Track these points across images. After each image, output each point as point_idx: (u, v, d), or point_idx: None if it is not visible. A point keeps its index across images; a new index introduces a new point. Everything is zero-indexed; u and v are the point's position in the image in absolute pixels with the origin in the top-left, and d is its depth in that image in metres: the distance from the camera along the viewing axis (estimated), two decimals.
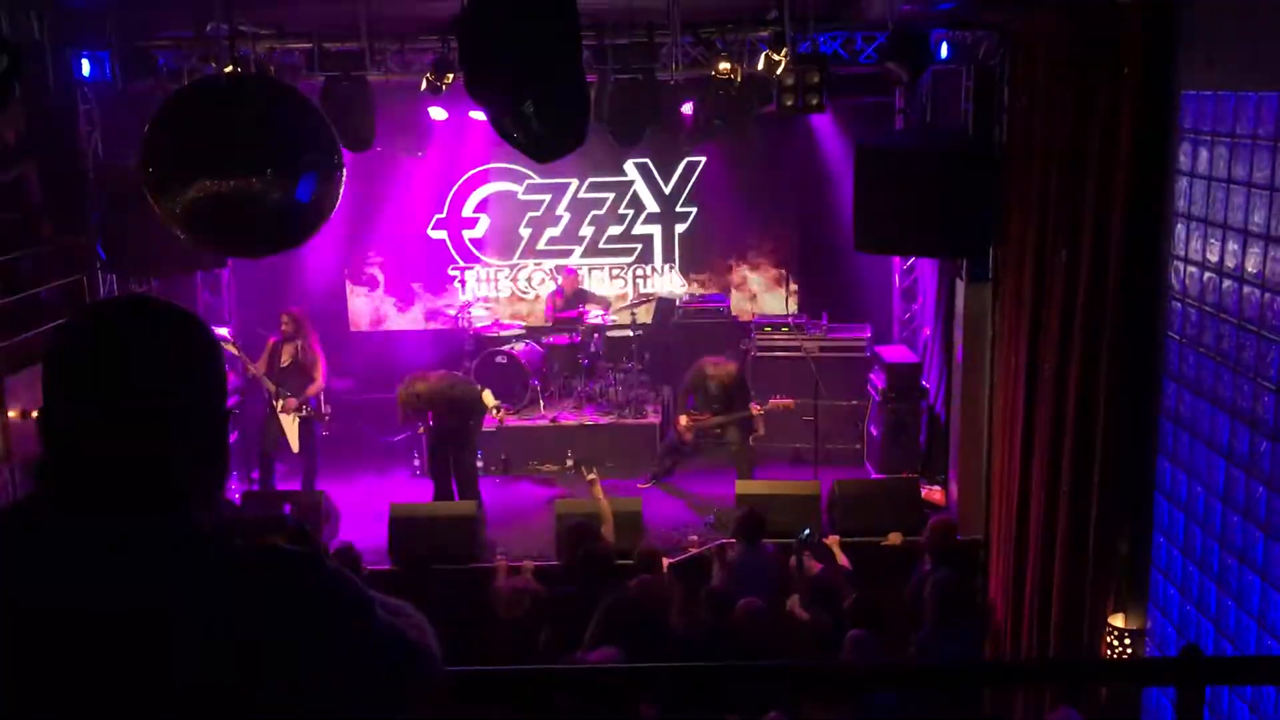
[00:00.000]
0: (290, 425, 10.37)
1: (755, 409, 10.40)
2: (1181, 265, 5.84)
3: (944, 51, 8.82)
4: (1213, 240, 5.48)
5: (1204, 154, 5.57)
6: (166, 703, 1.32)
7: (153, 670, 1.32)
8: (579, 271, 12.74)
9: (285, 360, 10.36)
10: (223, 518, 1.50)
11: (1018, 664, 5.23)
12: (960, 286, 9.28)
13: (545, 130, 3.37)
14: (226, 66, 7.73)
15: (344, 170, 5.42)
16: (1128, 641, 6.52)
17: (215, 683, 1.33)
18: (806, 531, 8.11)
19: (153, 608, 1.34)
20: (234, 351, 10.11)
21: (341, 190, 5.39)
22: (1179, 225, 5.86)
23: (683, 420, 10.47)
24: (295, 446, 10.44)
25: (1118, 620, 6.66)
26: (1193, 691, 1.83)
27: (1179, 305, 5.88)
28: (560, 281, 12.54)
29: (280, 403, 10.24)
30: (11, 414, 7.66)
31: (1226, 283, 5.35)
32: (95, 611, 1.33)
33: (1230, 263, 5.31)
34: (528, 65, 3.28)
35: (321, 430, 10.63)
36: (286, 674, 1.36)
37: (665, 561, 8.25)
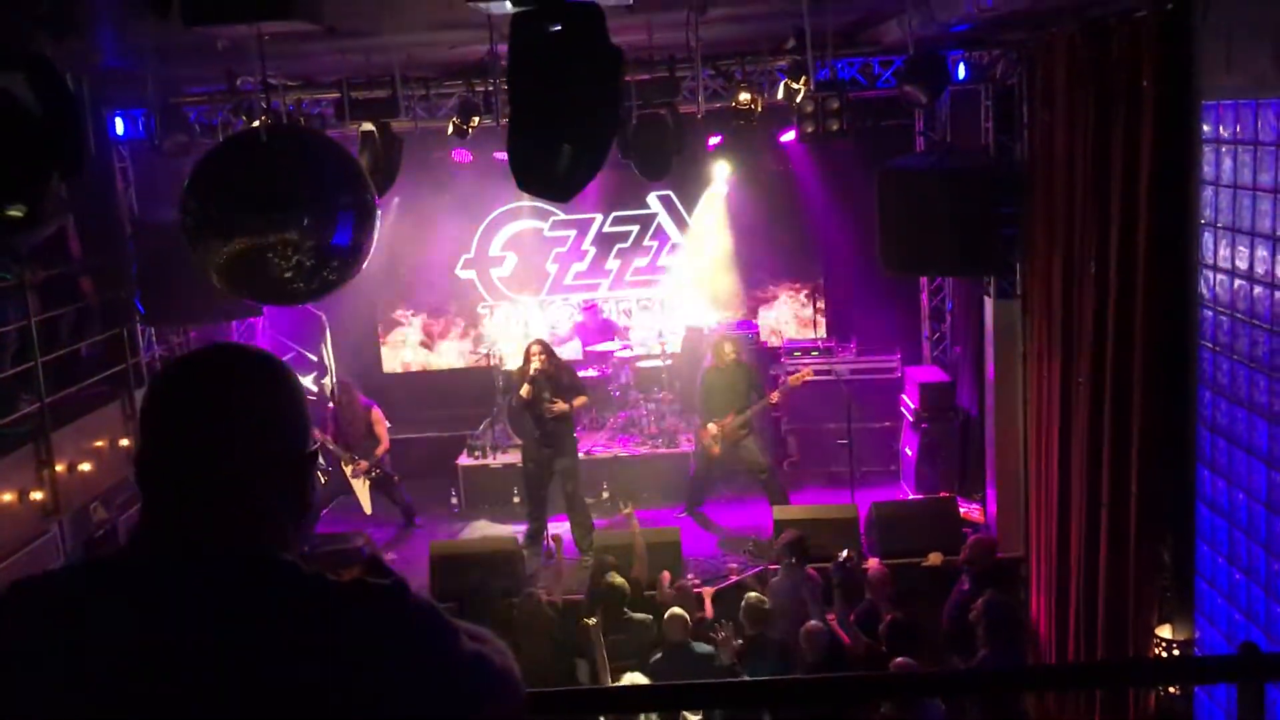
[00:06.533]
0: (361, 488, 10.57)
1: (773, 397, 10.36)
2: (1211, 273, 5.85)
3: (961, 72, 8.90)
4: (1241, 247, 5.50)
5: (1227, 162, 5.60)
6: None
7: (256, 703, 1.39)
8: (599, 305, 12.82)
9: (350, 427, 10.59)
10: (304, 555, 1.57)
11: (1071, 667, 5.21)
12: (988, 304, 9.30)
13: (574, 169, 3.45)
14: (258, 119, 7.90)
15: (378, 213, 5.54)
16: (1176, 652, 6.48)
17: (315, 713, 1.40)
18: (845, 554, 8.11)
19: (254, 643, 1.41)
20: None
21: (377, 233, 5.50)
22: (1206, 234, 5.88)
23: (709, 429, 10.38)
24: (367, 509, 10.64)
25: (1165, 631, 6.62)
26: (1252, 689, 1.85)
27: (1210, 313, 5.89)
28: (583, 316, 12.65)
29: (351, 468, 10.47)
30: (59, 468, 7.79)
31: (1258, 289, 5.36)
32: (196, 651, 1.40)
33: (1260, 269, 5.33)
34: (569, 104, 3.37)
35: (405, 492, 10.98)
36: (383, 702, 1.42)
37: (707, 593, 8.32)
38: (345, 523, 10.54)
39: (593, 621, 7.65)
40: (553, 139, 3.41)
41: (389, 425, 10.94)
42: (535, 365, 9.77)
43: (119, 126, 9.21)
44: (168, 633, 1.41)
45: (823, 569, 8.25)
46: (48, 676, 1.41)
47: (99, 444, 8.55)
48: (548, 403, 9.78)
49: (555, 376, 9.88)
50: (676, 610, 7.48)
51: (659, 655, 7.36)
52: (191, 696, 1.38)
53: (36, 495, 7.58)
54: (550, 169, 3.64)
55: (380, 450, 10.64)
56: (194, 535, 1.49)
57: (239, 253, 5.05)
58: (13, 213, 4.20)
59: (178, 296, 9.06)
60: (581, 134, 3.39)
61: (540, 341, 10.14)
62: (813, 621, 7.39)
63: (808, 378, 10.49)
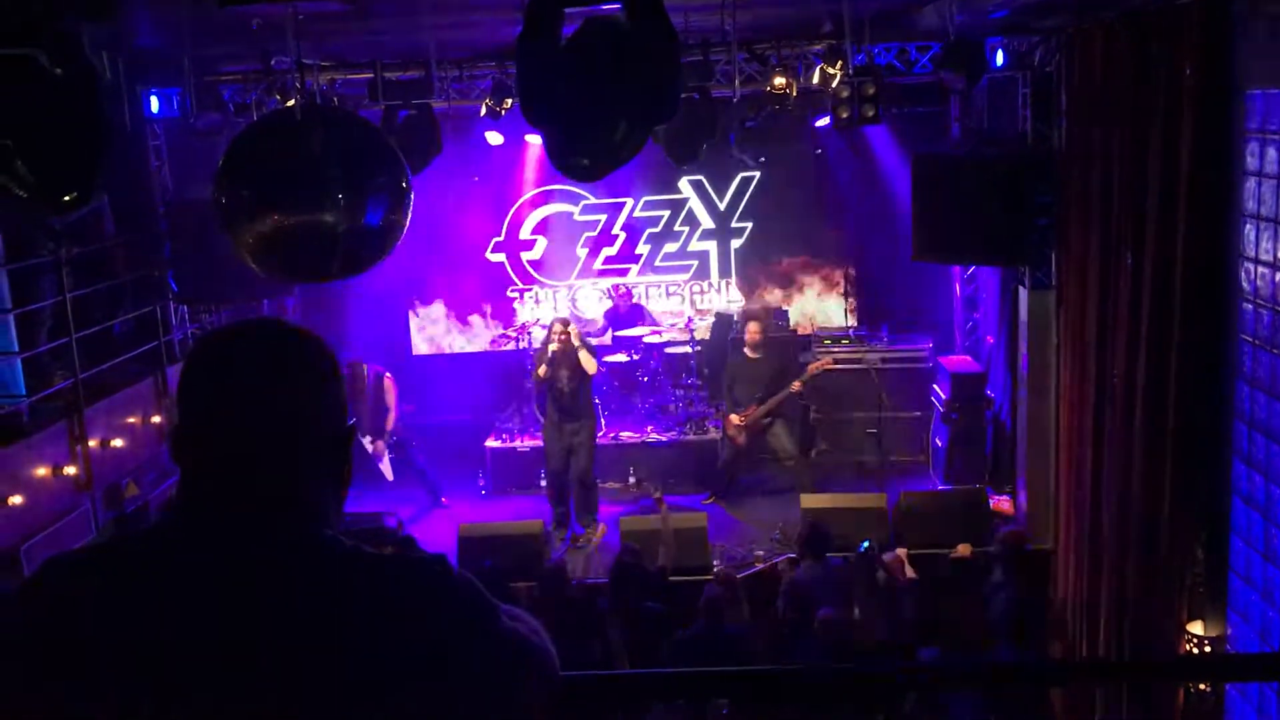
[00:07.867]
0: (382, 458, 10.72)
1: (796, 386, 10.30)
2: (1252, 266, 5.76)
3: (999, 59, 8.79)
4: None
5: (1271, 152, 5.51)
6: (309, 705, 1.37)
7: (299, 676, 1.38)
8: (633, 290, 12.80)
9: (360, 404, 10.66)
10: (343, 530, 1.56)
11: (1101, 663, 5.17)
12: (1023, 294, 9.21)
13: (616, 149, 3.42)
14: (292, 99, 7.91)
15: (412, 193, 5.52)
16: (1208, 649, 6.41)
17: (357, 685, 1.39)
18: (866, 544, 8.07)
19: (296, 617, 1.40)
20: None
21: (410, 213, 5.49)
22: (1248, 226, 5.79)
23: (733, 420, 10.41)
24: (389, 475, 10.77)
25: (1196, 627, 6.55)
26: None
27: (1250, 307, 5.80)
28: (615, 300, 12.62)
29: (368, 437, 10.58)
30: (92, 443, 7.85)
31: None
32: (237, 626, 1.40)
33: None
34: (626, 83, 3.33)
35: (418, 455, 11.04)
36: (424, 673, 1.42)
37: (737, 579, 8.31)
38: (372, 501, 10.59)
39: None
40: (605, 118, 3.37)
41: (403, 411, 11.04)
42: (554, 346, 9.78)
43: (154, 105, 9.24)
44: (208, 609, 1.41)
45: (847, 559, 8.22)
46: (86, 654, 1.40)
47: (131, 420, 8.62)
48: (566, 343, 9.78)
49: (575, 356, 9.89)
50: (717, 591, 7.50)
51: (688, 631, 7.36)
52: (233, 671, 1.38)
53: (69, 470, 7.65)
54: (600, 145, 3.60)
55: (391, 418, 10.74)
56: (233, 511, 1.48)
57: (272, 231, 5.05)
58: (69, 197, 4.25)
59: (210, 275, 9.10)
60: (635, 113, 3.35)
61: (563, 320, 10.14)
62: (826, 609, 7.34)
63: (827, 367, 10.44)
